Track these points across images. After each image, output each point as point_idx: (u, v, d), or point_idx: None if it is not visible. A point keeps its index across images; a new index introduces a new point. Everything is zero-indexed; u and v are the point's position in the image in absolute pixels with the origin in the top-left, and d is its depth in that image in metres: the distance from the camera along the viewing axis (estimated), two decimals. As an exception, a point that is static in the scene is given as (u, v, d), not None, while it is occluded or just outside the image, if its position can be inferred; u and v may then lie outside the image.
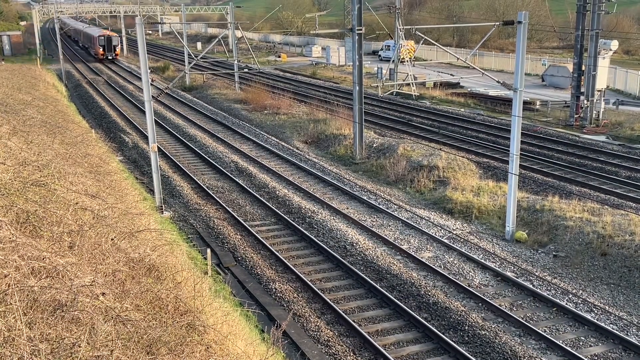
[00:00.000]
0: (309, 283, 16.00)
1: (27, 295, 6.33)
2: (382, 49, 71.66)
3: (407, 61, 48.76)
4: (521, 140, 19.84)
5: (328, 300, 15.01)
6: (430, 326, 13.82)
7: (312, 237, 19.26)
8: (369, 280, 16.14)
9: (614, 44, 36.38)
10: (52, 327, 6.03)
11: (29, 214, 8.84)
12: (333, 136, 33.04)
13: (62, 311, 6.33)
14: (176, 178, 26.20)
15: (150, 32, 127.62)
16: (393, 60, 49.59)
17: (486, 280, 16.46)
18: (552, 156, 28.72)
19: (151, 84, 23.36)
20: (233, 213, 21.49)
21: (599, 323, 14.03)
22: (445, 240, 18.94)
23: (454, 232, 19.74)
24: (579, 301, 15.27)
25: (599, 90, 35.58)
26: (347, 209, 22.08)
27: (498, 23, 20.52)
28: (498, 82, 20.81)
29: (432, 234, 19.39)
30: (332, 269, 17.30)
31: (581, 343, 13.43)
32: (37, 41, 76.95)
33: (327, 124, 34.91)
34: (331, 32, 57.62)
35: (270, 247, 18.47)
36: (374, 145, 30.14)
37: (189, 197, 23.61)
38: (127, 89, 53.35)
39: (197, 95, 50.77)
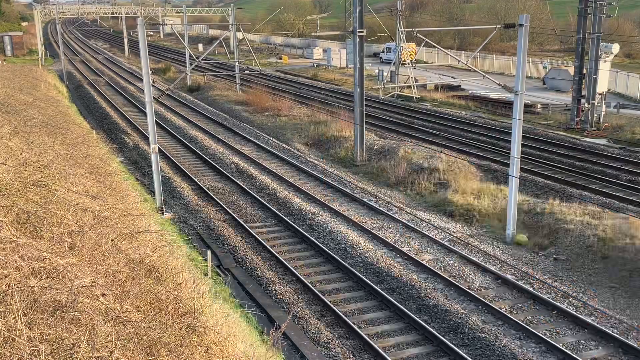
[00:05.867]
0: (309, 285, 15.99)
1: (28, 295, 6.33)
2: (383, 51, 71.68)
3: (408, 64, 48.81)
4: (522, 143, 19.86)
5: (328, 302, 15.00)
6: (431, 329, 13.81)
7: (313, 239, 19.26)
8: (369, 282, 16.14)
9: (615, 48, 36.36)
10: (52, 328, 6.03)
11: (30, 215, 8.84)
12: (334, 138, 33.05)
13: (62, 312, 6.33)
14: (177, 179, 26.21)
15: (151, 33, 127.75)
16: (394, 63, 49.61)
17: (486, 283, 16.45)
18: (553, 159, 28.71)
19: (152, 85, 23.38)
20: (233, 214, 21.50)
21: (599, 326, 14.02)
22: (446, 243, 18.93)
23: (455, 235, 19.73)
24: (579, 304, 15.25)
25: (600, 94, 35.56)
26: (348, 211, 22.07)
27: (499, 26, 20.55)
28: (499, 84, 20.83)
29: (432, 237, 19.38)
30: (333, 271, 17.30)
31: (581, 346, 13.41)
32: (39, 42, 77.01)
33: (327, 126, 34.92)
34: (332, 34, 57.71)
35: (270, 248, 18.47)
36: (375, 147, 30.14)
37: (190, 198, 23.61)
38: (128, 90, 53.38)
39: (198, 97, 50.80)
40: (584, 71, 35.35)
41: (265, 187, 24.96)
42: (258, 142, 33.17)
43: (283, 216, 21.30)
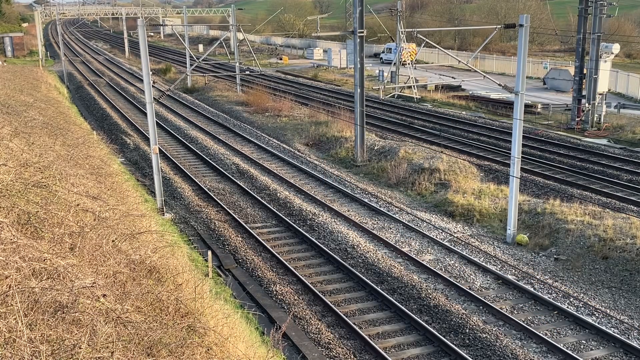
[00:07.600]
0: (310, 285, 15.99)
1: (28, 296, 6.33)
2: (383, 52, 71.69)
3: (409, 64, 48.82)
4: (522, 143, 19.85)
5: (329, 303, 15.00)
6: (431, 329, 13.81)
7: (313, 239, 19.26)
8: (370, 282, 16.13)
9: (616, 48, 36.34)
10: (52, 329, 6.03)
11: (31, 216, 8.85)
12: (334, 138, 33.05)
13: (63, 313, 6.33)
14: (177, 180, 26.20)
15: (152, 34, 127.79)
16: (394, 63, 49.61)
17: (487, 283, 16.45)
18: (554, 159, 28.70)
19: (153, 86, 23.39)
20: (234, 215, 21.50)
21: (600, 326, 14.01)
22: (446, 243, 18.93)
23: (455, 235, 19.73)
24: (580, 304, 15.25)
25: (600, 94, 35.55)
26: (348, 211, 22.07)
27: (499, 26, 20.53)
28: (499, 85, 20.83)
29: (433, 237, 19.38)
30: (333, 272, 17.30)
31: (582, 346, 13.41)
32: (40, 43, 77.05)
33: (328, 127, 34.92)
34: (332, 34, 57.71)
35: (271, 249, 18.47)
36: (375, 147, 30.14)
37: (190, 199, 23.61)
38: (128, 90, 53.41)
39: (199, 97, 50.82)
40: (585, 71, 35.34)
41: (266, 187, 24.96)
42: (258, 143, 33.17)
43: (284, 217, 21.30)
